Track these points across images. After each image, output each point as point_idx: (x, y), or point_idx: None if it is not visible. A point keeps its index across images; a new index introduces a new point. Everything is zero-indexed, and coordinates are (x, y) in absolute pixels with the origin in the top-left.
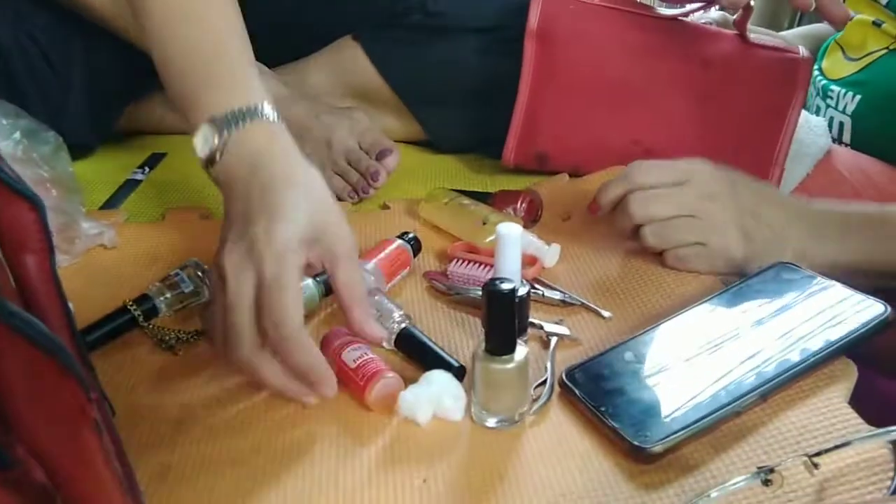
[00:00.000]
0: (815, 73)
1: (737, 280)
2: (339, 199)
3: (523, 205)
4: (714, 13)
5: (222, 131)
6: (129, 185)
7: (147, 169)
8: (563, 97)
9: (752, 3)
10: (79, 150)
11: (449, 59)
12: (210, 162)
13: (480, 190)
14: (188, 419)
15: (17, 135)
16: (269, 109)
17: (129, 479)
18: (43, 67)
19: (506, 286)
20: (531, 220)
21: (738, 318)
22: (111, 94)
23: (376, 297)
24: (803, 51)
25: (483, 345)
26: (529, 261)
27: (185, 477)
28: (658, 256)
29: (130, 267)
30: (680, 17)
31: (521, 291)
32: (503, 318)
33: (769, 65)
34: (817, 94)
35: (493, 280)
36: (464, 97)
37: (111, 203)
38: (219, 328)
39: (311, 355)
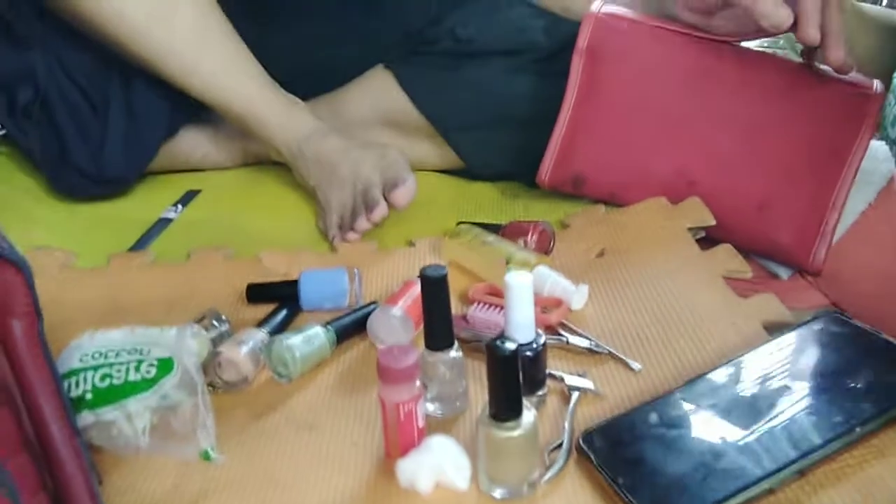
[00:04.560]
0: None
1: (780, 331)
2: (345, 235)
3: (534, 236)
4: None
5: None
6: (161, 224)
7: (180, 207)
8: (606, 118)
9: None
10: (116, 187)
11: (480, 83)
12: None
13: (505, 220)
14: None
15: None
16: None
17: None
18: (81, 105)
19: (508, 346)
20: (543, 251)
21: (777, 379)
22: (149, 130)
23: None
24: (878, 86)
25: (487, 409)
26: (554, 303)
27: None
28: (694, 302)
29: (153, 311)
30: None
31: (537, 343)
32: (506, 381)
33: (834, 100)
34: None
35: (495, 339)
36: (497, 121)
37: (141, 243)
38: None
39: None
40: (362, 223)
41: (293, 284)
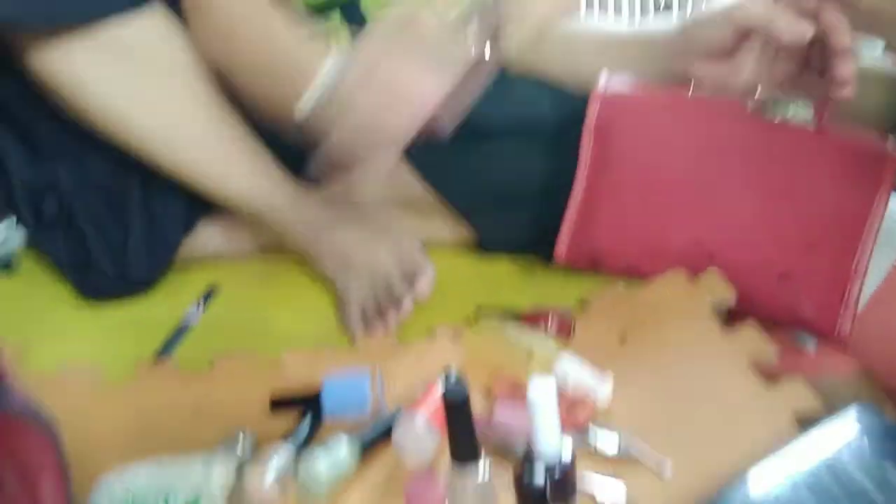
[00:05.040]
0: None
1: (811, 423)
2: (370, 329)
3: (554, 324)
4: None
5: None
6: (183, 328)
7: (201, 306)
8: (619, 193)
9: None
10: (141, 287)
11: (491, 160)
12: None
13: (523, 299)
14: None
15: None
16: None
17: None
18: (102, 209)
19: (536, 483)
20: (564, 338)
21: (811, 485)
22: (169, 230)
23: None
24: (890, 145)
25: None
26: (580, 400)
27: None
28: (721, 392)
29: (181, 427)
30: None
31: (565, 457)
32: None
33: (848, 164)
34: None
35: (522, 470)
36: (511, 197)
37: (166, 349)
38: None
39: None
40: (392, 320)
41: (315, 396)
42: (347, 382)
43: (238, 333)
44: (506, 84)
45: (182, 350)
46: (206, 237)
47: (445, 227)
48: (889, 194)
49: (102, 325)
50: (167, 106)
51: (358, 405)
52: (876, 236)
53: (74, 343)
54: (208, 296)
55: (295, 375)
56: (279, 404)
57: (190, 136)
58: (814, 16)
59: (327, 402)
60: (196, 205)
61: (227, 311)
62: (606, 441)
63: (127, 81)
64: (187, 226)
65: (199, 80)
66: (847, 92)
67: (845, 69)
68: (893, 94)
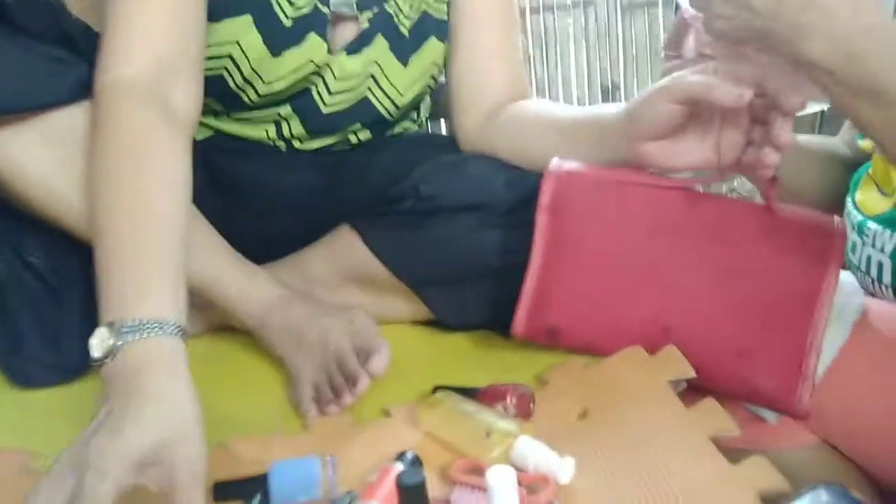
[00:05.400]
0: (850, 207)
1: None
2: (324, 408)
3: (513, 400)
4: None
5: (118, 337)
6: None
7: None
8: (575, 270)
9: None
10: (76, 374)
11: (447, 239)
12: (101, 362)
13: (482, 375)
14: None
15: None
16: (171, 325)
17: None
18: (39, 294)
19: None
20: (523, 415)
21: None
22: None
23: None
24: (838, 222)
25: None
26: (541, 480)
27: None
28: (685, 472)
29: None
30: (698, 187)
31: None
32: None
33: (798, 242)
34: (853, 229)
35: None
36: (467, 275)
37: None
38: None
39: None
40: (347, 399)
41: (263, 479)
42: (296, 466)
43: None
44: (460, 162)
45: None
46: None
47: (402, 306)
48: (839, 269)
49: (35, 411)
50: None
51: (307, 489)
52: (828, 311)
53: (4, 429)
54: None
55: (242, 461)
56: (223, 492)
57: None
58: (756, 85)
59: (275, 487)
60: None
61: None
62: None
63: (66, 163)
64: None
65: None
66: (774, 157)
67: (784, 129)
68: (833, 173)
